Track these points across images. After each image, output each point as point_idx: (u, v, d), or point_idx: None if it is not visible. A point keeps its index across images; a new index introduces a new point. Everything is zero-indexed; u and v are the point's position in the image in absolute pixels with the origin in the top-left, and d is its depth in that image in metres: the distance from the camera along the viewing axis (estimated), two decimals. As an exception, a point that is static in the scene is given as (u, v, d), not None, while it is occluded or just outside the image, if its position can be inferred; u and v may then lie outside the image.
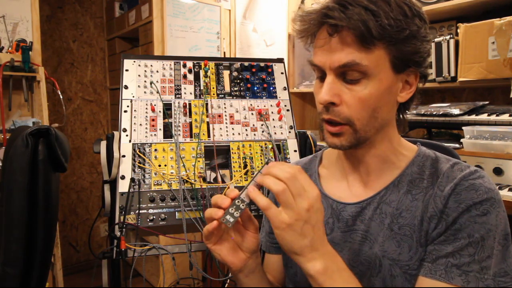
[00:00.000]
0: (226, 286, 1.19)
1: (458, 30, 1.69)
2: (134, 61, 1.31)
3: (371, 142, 0.69)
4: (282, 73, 1.44)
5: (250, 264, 0.67)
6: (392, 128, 0.71)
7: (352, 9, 0.58)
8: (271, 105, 1.37)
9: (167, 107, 1.27)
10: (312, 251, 0.54)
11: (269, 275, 0.82)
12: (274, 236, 0.86)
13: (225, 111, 1.31)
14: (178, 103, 1.28)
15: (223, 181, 1.21)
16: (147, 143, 1.19)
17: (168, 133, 1.23)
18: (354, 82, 0.62)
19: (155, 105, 1.25)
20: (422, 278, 0.61)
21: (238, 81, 1.38)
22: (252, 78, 1.40)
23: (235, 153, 1.25)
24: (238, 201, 0.60)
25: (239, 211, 0.60)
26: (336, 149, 0.69)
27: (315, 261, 0.54)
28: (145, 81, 1.29)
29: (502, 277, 0.58)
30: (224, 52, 2.59)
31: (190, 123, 1.26)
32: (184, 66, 1.35)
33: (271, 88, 1.40)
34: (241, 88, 1.38)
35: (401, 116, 0.74)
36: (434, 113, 1.68)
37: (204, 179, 1.18)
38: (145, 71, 1.31)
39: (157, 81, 1.30)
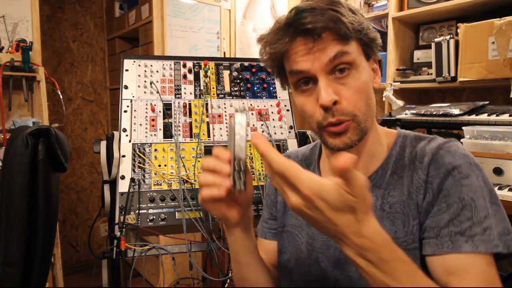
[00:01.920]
0: (226, 286, 1.19)
1: (458, 30, 1.69)
2: (134, 61, 1.31)
3: (366, 136, 0.70)
4: (282, 73, 1.44)
5: (246, 217, 0.67)
6: (375, 118, 0.74)
7: (325, 12, 0.63)
8: (271, 105, 1.37)
9: (167, 107, 1.27)
10: (339, 241, 0.50)
11: (266, 255, 0.84)
12: (272, 223, 0.88)
13: (225, 111, 1.31)
14: (178, 103, 1.28)
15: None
16: (147, 143, 1.19)
17: (168, 133, 1.23)
18: (345, 76, 0.65)
19: (155, 105, 1.25)
20: (431, 257, 0.60)
21: (238, 81, 1.38)
22: (252, 78, 1.40)
23: (235, 153, 1.25)
24: (237, 162, 0.56)
25: (241, 172, 0.56)
26: (345, 149, 0.67)
27: (346, 251, 0.50)
28: (145, 81, 1.29)
29: (506, 235, 0.59)
30: (224, 52, 2.59)
31: (190, 123, 1.26)
32: (184, 66, 1.35)
33: (271, 88, 1.40)
34: (241, 88, 1.38)
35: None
36: (434, 113, 1.67)
37: (204, 179, 1.18)
38: (145, 71, 1.31)
39: (157, 81, 1.30)
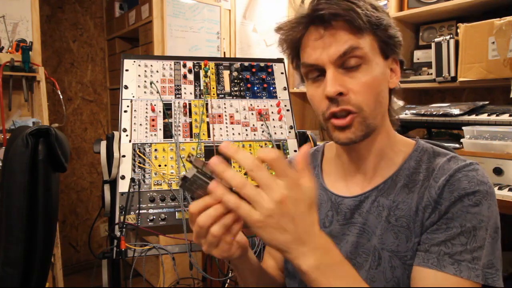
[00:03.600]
0: (226, 286, 1.20)
1: (458, 30, 1.68)
2: (134, 61, 1.31)
3: (374, 134, 0.69)
4: (282, 73, 1.44)
5: (242, 250, 0.66)
6: (387, 118, 0.73)
7: (339, 2, 0.63)
8: (271, 105, 1.37)
9: (167, 107, 1.27)
10: (299, 246, 0.48)
11: (273, 261, 0.86)
12: None
13: (225, 111, 1.31)
14: (178, 103, 1.28)
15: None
16: (147, 143, 1.19)
17: (168, 133, 1.23)
18: (355, 69, 0.64)
19: (155, 105, 1.25)
20: (415, 267, 0.62)
21: (238, 81, 1.38)
22: (252, 78, 1.40)
23: (235, 153, 1.25)
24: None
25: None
26: (349, 144, 0.67)
27: (304, 257, 0.48)
28: (145, 81, 1.29)
29: (489, 268, 0.59)
30: (224, 52, 2.59)
31: (190, 123, 1.26)
32: (184, 66, 1.35)
33: (271, 88, 1.40)
34: (241, 88, 1.38)
35: (392, 113, 0.75)
36: (434, 113, 1.67)
37: (204, 179, 1.18)
38: (145, 71, 1.31)
39: (157, 81, 1.30)
